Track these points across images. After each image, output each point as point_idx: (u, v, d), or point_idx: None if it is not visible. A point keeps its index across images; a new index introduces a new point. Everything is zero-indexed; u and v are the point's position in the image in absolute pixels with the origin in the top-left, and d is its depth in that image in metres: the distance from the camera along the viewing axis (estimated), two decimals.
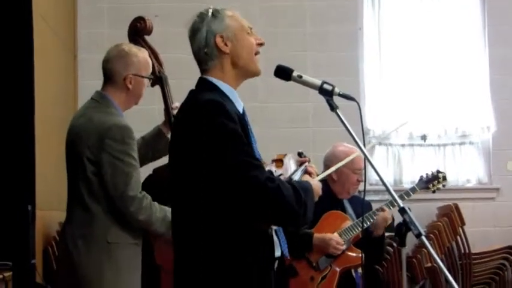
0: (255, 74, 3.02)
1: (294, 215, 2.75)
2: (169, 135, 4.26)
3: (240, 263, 2.76)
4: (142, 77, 3.98)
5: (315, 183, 2.96)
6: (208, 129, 2.71)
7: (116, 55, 3.97)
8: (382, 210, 4.95)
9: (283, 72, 3.02)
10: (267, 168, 2.90)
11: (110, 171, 3.73)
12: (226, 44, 2.93)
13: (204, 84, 2.94)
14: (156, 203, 3.81)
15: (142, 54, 4.03)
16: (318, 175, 3.29)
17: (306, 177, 3.01)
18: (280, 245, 2.96)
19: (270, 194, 2.68)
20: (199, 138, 2.72)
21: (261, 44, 3.02)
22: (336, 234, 4.89)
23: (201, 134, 2.72)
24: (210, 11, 2.98)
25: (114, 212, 3.75)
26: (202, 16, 2.97)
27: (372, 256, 5.16)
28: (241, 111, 2.92)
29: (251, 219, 2.76)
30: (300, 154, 3.26)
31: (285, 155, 3.17)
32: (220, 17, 2.96)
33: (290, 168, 3.10)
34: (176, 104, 4.27)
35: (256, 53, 2.99)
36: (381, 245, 5.14)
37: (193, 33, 2.98)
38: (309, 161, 3.17)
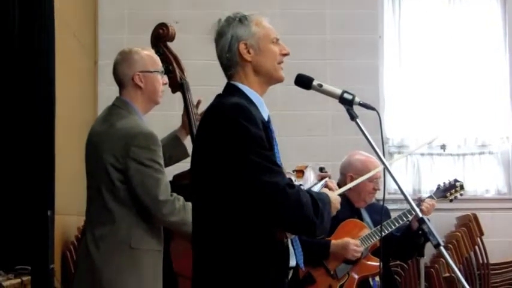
0: (277, 80, 3.01)
1: (311, 223, 2.74)
2: (185, 141, 4.28)
3: (254, 271, 2.76)
4: (151, 72, 3.93)
5: (334, 196, 2.95)
6: (231, 132, 2.71)
7: (120, 59, 3.95)
8: (422, 204, 4.93)
9: (303, 81, 3.02)
10: (287, 177, 2.89)
11: (138, 179, 3.71)
12: (249, 52, 2.92)
13: (230, 89, 2.94)
14: (189, 204, 3.74)
15: (144, 51, 3.98)
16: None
17: (326, 190, 3.00)
18: (296, 256, 2.96)
19: (289, 200, 2.68)
20: (222, 141, 2.72)
21: (285, 54, 3.01)
22: (352, 239, 4.88)
23: (224, 137, 2.72)
24: (238, 16, 2.97)
25: (139, 217, 3.74)
26: (229, 21, 2.96)
27: (411, 250, 5.07)
28: (266, 118, 2.91)
29: (268, 224, 2.75)
30: (321, 169, 3.26)
31: (306, 166, 3.17)
32: (247, 23, 2.94)
33: (310, 180, 3.10)
34: (200, 98, 4.29)
35: (280, 63, 2.99)
36: (422, 236, 5.07)
37: (219, 36, 2.97)
38: (329, 177, 3.16)
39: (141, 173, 3.71)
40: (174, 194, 3.78)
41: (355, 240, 4.87)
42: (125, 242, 3.72)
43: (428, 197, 5.13)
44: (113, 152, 3.74)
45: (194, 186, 2.88)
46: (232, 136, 2.71)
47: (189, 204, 3.76)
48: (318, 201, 2.78)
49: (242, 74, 2.95)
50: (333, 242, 4.86)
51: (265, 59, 2.95)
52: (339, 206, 2.96)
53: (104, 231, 3.74)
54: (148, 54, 3.98)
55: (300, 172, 3.14)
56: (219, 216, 2.76)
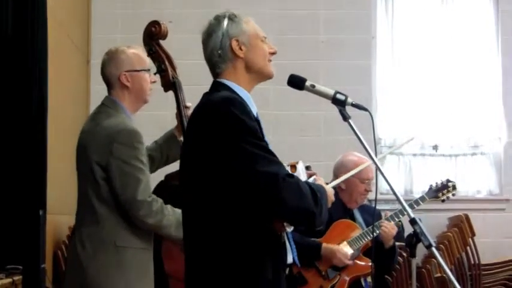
0: (268, 76, 3.01)
1: (311, 213, 2.72)
2: (181, 139, 4.27)
3: (252, 266, 2.74)
4: (137, 71, 3.91)
5: (329, 189, 2.95)
6: (224, 124, 2.69)
7: (106, 59, 3.94)
8: (381, 225, 4.92)
9: (296, 82, 3.02)
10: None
11: (118, 176, 3.70)
12: (241, 49, 2.93)
13: (217, 87, 2.93)
14: (168, 206, 3.76)
15: (131, 49, 3.96)
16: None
17: (319, 182, 2.99)
18: (292, 252, 2.96)
19: (290, 189, 2.66)
20: (215, 134, 2.69)
21: (273, 53, 3.02)
22: (343, 247, 4.88)
23: (217, 129, 2.69)
24: (227, 14, 2.98)
25: (123, 216, 3.73)
26: (218, 19, 2.97)
27: (383, 266, 5.13)
28: (255, 114, 2.91)
29: (268, 215, 2.73)
30: (307, 167, 3.24)
31: (298, 162, 3.16)
32: (237, 21, 2.96)
33: (302, 174, 3.10)
34: (189, 103, 4.25)
35: (269, 61, 3.00)
36: (392, 256, 5.11)
37: (208, 35, 2.97)
38: (316, 175, 3.16)
39: (122, 171, 3.70)
40: (153, 196, 3.75)
41: (344, 249, 4.86)
42: (109, 241, 3.70)
43: (420, 198, 5.13)
44: (98, 151, 3.73)
45: (184, 185, 2.86)
46: (225, 127, 2.69)
47: (169, 207, 3.77)
48: (316, 192, 2.78)
49: (232, 70, 2.94)
50: (324, 245, 4.86)
51: (256, 56, 2.95)
52: (333, 198, 2.96)
53: (89, 230, 3.73)
54: (134, 53, 3.96)
55: (293, 167, 3.13)
56: (213, 213, 2.73)
